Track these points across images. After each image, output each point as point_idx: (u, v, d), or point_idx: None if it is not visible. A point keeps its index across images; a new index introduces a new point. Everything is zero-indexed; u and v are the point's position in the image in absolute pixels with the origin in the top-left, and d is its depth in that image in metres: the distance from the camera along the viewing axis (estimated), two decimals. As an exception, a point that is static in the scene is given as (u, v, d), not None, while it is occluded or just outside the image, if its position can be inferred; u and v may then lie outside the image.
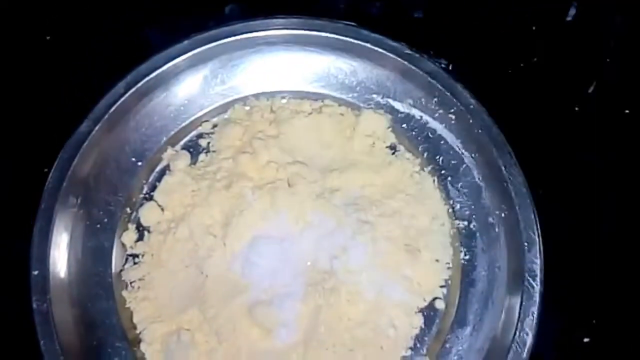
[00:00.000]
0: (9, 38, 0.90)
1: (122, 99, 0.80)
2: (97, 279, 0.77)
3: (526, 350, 0.72)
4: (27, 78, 0.88)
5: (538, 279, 0.74)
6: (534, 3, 0.93)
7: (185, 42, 0.83)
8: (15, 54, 0.90)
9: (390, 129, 0.84)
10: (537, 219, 0.75)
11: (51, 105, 0.86)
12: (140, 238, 0.80)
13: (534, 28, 0.91)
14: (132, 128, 0.82)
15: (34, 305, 0.72)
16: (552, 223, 0.78)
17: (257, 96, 0.86)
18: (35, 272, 0.73)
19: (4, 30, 0.91)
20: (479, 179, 0.81)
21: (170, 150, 0.83)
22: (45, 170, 0.78)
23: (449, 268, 0.79)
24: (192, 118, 0.85)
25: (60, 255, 0.76)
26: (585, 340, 0.78)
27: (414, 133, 0.84)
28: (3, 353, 0.76)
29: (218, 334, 0.74)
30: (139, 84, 0.81)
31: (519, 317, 0.73)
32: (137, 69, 0.82)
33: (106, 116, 0.79)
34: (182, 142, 0.84)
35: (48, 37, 0.90)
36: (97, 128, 0.79)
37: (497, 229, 0.78)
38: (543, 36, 0.91)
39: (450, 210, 0.81)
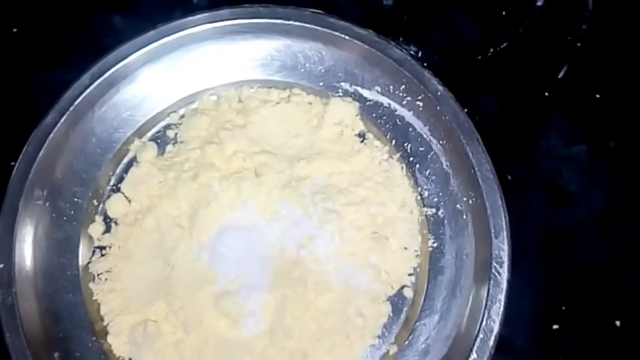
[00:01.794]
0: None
1: (88, 90, 0.80)
2: (63, 272, 0.77)
3: (493, 337, 0.72)
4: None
5: (505, 266, 0.73)
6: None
7: (151, 32, 0.82)
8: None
9: (358, 116, 0.84)
10: (504, 206, 0.75)
11: (16, 97, 0.86)
12: (107, 230, 0.79)
13: (503, 13, 0.91)
14: (98, 120, 0.82)
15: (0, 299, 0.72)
16: (520, 210, 0.78)
17: (225, 86, 0.85)
18: (0, 266, 0.73)
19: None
20: (446, 165, 0.80)
21: (137, 142, 0.83)
22: (12, 163, 0.77)
23: (417, 256, 0.79)
24: (160, 109, 0.84)
25: (26, 248, 0.75)
26: (555, 327, 0.78)
27: (382, 120, 0.84)
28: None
29: (185, 325, 0.74)
30: (105, 75, 0.80)
31: (486, 304, 0.72)
32: (103, 60, 0.81)
33: (71, 108, 0.79)
34: (149, 134, 0.84)
35: (15, 29, 0.89)
36: (62, 120, 0.78)
37: (465, 216, 0.78)
38: (513, 21, 0.90)
39: (419, 197, 0.81)
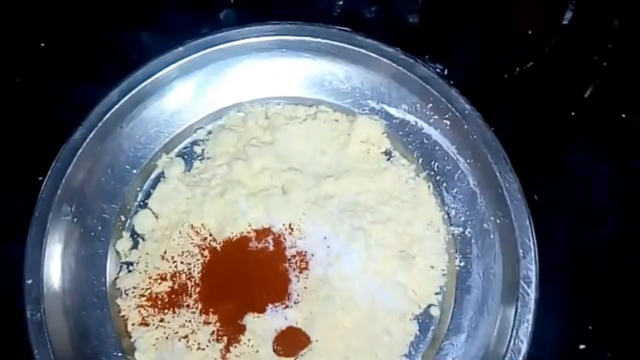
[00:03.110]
0: (5, 45, 0.90)
1: (116, 106, 0.80)
2: (91, 288, 0.77)
3: (521, 357, 0.72)
4: (22, 85, 0.88)
5: (533, 285, 0.73)
6: (530, 7, 0.92)
7: (180, 48, 0.83)
8: (10, 61, 0.89)
9: (385, 134, 0.84)
10: (532, 226, 0.75)
11: (45, 113, 0.86)
12: (135, 246, 0.80)
13: (530, 32, 0.91)
14: (126, 135, 0.82)
15: (28, 315, 0.72)
16: (548, 229, 0.77)
17: (251, 102, 0.86)
18: (29, 282, 0.73)
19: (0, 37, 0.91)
20: (474, 185, 0.80)
21: (164, 158, 0.83)
22: (40, 178, 0.78)
23: (444, 275, 0.79)
24: (187, 125, 0.84)
25: (54, 264, 0.76)
26: (581, 347, 0.78)
27: (409, 139, 0.84)
28: (-3, 363, 0.76)
29: (212, 340, 0.74)
30: (133, 91, 0.81)
31: (514, 324, 0.73)
32: (131, 76, 0.81)
33: (100, 124, 0.79)
34: (176, 149, 0.84)
35: (43, 44, 0.90)
36: (91, 136, 0.79)
37: (492, 236, 0.78)
38: (539, 40, 0.90)
39: (445, 216, 0.81)
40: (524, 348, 0.72)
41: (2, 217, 0.80)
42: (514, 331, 0.72)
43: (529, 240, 0.75)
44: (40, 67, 0.89)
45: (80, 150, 0.78)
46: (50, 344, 0.71)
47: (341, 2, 0.92)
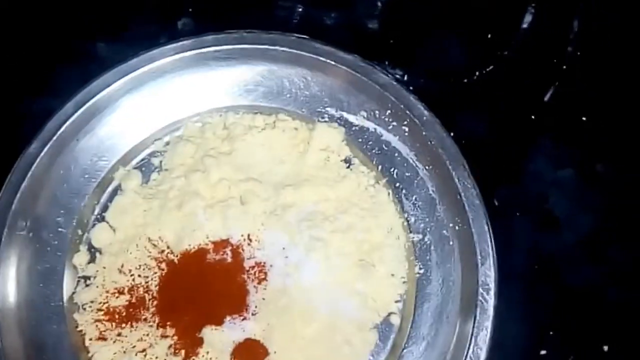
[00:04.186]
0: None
1: (71, 119, 0.79)
2: (47, 303, 0.76)
3: (480, 364, 0.71)
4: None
5: (492, 292, 0.73)
6: (489, 10, 0.92)
7: (134, 59, 0.82)
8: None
9: (344, 142, 0.83)
10: (490, 232, 0.75)
11: (0, 124, 0.85)
12: (92, 260, 0.79)
13: (489, 36, 0.91)
14: (82, 148, 0.81)
15: (-17, 331, 0.71)
16: (508, 235, 0.78)
17: (209, 112, 0.85)
18: (-17, 298, 0.73)
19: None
20: (433, 191, 0.80)
21: (121, 170, 0.82)
22: (-5, 193, 0.77)
23: (404, 282, 0.78)
24: (144, 136, 0.84)
25: (9, 280, 0.75)
26: (542, 352, 0.77)
27: (368, 146, 0.83)
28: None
29: (170, 354, 0.74)
30: (88, 104, 0.80)
31: (472, 331, 0.72)
32: (86, 89, 0.81)
33: (55, 137, 0.79)
34: (133, 162, 0.83)
35: (-2, 56, 0.89)
36: (45, 150, 0.78)
37: (451, 242, 0.78)
38: (499, 44, 0.90)
39: (405, 223, 0.80)
40: (483, 355, 0.72)
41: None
42: (473, 338, 0.72)
43: (488, 247, 0.75)
44: (-4, 80, 0.89)
45: (35, 164, 0.77)
46: (6, 359, 0.71)
47: (300, 9, 0.91)
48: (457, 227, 0.77)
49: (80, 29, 0.91)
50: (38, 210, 0.78)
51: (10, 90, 0.88)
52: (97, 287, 0.77)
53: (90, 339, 0.76)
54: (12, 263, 0.76)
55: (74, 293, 0.77)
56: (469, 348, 0.72)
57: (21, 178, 0.77)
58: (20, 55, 0.90)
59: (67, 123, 0.79)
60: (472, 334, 0.72)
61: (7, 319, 0.73)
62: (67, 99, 0.80)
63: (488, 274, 0.74)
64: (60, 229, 0.79)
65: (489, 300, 0.73)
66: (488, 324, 0.72)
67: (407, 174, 0.82)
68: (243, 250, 0.78)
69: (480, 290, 0.73)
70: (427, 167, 0.81)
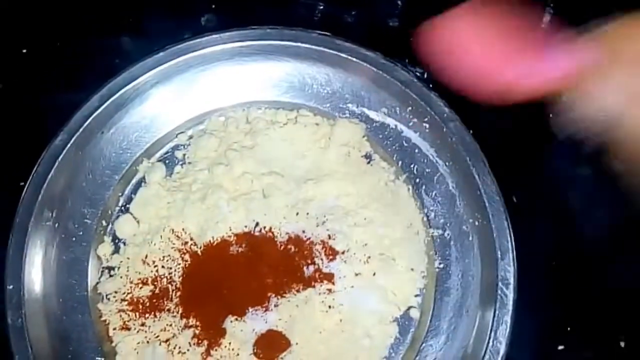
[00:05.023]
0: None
1: (97, 111, 0.80)
2: (72, 292, 0.77)
3: (500, 358, 0.72)
4: (4, 92, 0.88)
5: (511, 287, 0.74)
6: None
7: (161, 53, 0.83)
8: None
9: (365, 138, 0.84)
10: (510, 228, 0.76)
11: (26, 118, 0.86)
12: (116, 251, 0.80)
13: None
14: (107, 141, 0.82)
15: (9, 320, 0.72)
16: (527, 231, 0.78)
17: (232, 107, 0.86)
18: (10, 287, 0.74)
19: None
20: (453, 187, 0.81)
21: (145, 163, 0.83)
22: (22, 184, 0.78)
23: (423, 277, 0.79)
24: (168, 130, 0.85)
25: (35, 269, 0.76)
26: (560, 348, 0.78)
27: (388, 142, 0.84)
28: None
29: (193, 344, 0.75)
30: (114, 97, 0.81)
31: (492, 325, 0.73)
32: (112, 82, 0.81)
33: (81, 129, 0.80)
34: (157, 154, 0.84)
35: (24, 50, 0.90)
36: (71, 141, 0.79)
37: (471, 238, 0.79)
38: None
39: (425, 218, 0.81)
40: (502, 349, 0.72)
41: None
42: (493, 332, 0.73)
43: (507, 242, 0.75)
44: (22, 73, 0.89)
45: (61, 156, 0.78)
46: (31, 349, 0.72)
47: (322, 7, 0.92)
48: (476, 223, 0.78)
49: (105, 24, 0.92)
50: (64, 201, 0.79)
51: (38, 84, 0.89)
52: (121, 277, 0.78)
53: (114, 329, 0.77)
54: (38, 253, 0.76)
55: (98, 283, 0.78)
56: (488, 342, 0.73)
57: (48, 169, 0.78)
58: (47, 50, 0.90)
59: (93, 116, 0.80)
60: (491, 328, 0.73)
61: (33, 309, 0.74)
62: (93, 92, 0.81)
63: (508, 269, 0.75)
64: (85, 220, 0.80)
65: (509, 295, 0.74)
66: (507, 318, 0.73)
67: (427, 170, 0.82)
68: (266, 242, 0.79)
69: (500, 284, 0.74)
70: (447, 163, 0.81)
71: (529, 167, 0.85)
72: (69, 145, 0.79)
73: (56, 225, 0.78)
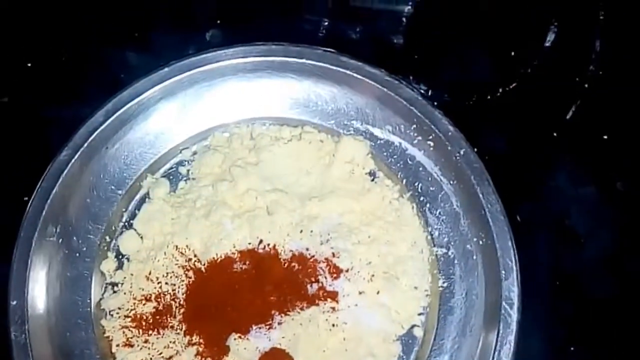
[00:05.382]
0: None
1: (102, 127, 0.80)
2: (75, 309, 0.77)
3: (503, 378, 0.72)
4: (9, 105, 0.88)
5: (515, 307, 0.74)
6: (512, 29, 0.93)
7: (165, 69, 0.83)
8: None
9: (369, 155, 0.84)
10: (514, 247, 0.76)
11: (30, 132, 0.86)
12: (120, 267, 0.80)
13: (513, 54, 0.92)
14: (112, 156, 0.82)
15: (12, 336, 0.72)
16: (531, 250, 0.78)
17: (237, 123, 0.86)
18: (14, 303, 0.73)
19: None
20: (457, 206, 0.81)
21: (149, 178, 0.83)
22: (26, 199, 0.78)
23: (427, 295, 0.79)
24: (172, 145, 0.85)
25: (39, 285, 0.76)
26: (563, 367, 0.78)
27: (393, 160, 0.84)
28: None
29: (196, 363, 0.75)
30: (119, 112, 0.81)
31: (496, 345, 0.73)
32: (117, 97, 0.82)
33: (85, 145, 0.80)
34: (161, 170, 0.84)
35: (29, 64, 0.90)
36: (76, 157, 0.79)
37: (475, 257, 0.79)
38: (522, 62, 0.91)
39: (429, 237, 0.81)
40: (506, 369, 0.73)
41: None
42: (496, 352, 0.73)
43: (511, 262, 0.75)
44: (27, 87, 0.89)
45: (66, 171, 0.78)
46: (35, 364, 0.72)
47: (326, 23, 0.93)
48: (480, 242, 0.78)
49: (111, 39, 0.92)
50: (68, 217, 0.79)
51: (42, 98, 0.89)
52: (125, 293, 0.78)
53: (118, 345, 0.76)
54: (42, 268, 0.76)
55: (101, 299, 0.78)
56: (492, 362, 0.73)
57: (52, 184, 0.78)
58: (52, 64, 0.91)
59: (98, 131, 0.80)
60: (495, 348, 0.73)
61: (37, 325, 0.74)
62: (97, 107, 0.81)
63: (512, 288, 0.74)
64: (89, 236, 0.80)
65: (513, 315, 0.74)
66: (511, 338, 0.73)
67: (431, 188, 0.83)
68: (269, 260, 0.78)
69: (504, 304, 0.74)
70: (451, 182, 0.82)
71: (533, 186, 0.85)
72: (73, 160, 0.79)
73: (60, 240, 0.78)
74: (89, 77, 0.89)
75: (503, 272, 0.75)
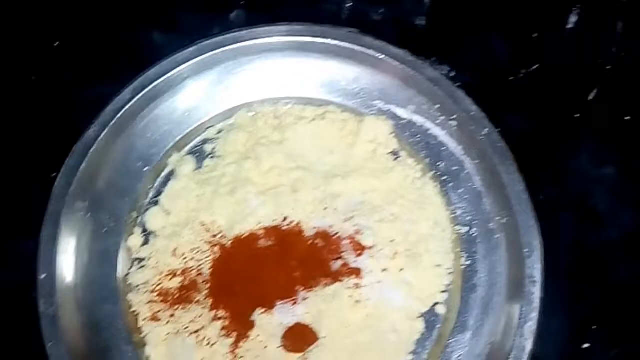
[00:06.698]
0: (16, 44, 0.91)
1: (129, 104, 0.81)
2: (103, 283, 0.78)
3: (525, 356, 0.72)
4: (36, 83, 0.89)
5: (538, 284, 0.74)
6: (535, 10, 0.93)
7: (192, 47, 0.84)
8: (22, 60, 0.91)
9: (392, 134, 0.85)
10: (538, 226, 0.76)
11: (58, 111, 0.87)
12: (146, 242, 0.81)
13: (535, 35, 0.92)
14: (139, 133, 0.83)
15: (41, 309, 0.73)
16: (552, 228, 0.79)
17: (261, 102, 0.87)
18: (43, 276, 0.74)
19: (11, 36, 0.92)
20: (480, 185, 0.81)
21: (175, 156, 0.84)
22: (53, 175, 0.79)
23: (449, 273, 0.80)
24: (198, 123, 0.86)
25: (68, 258, 0.77)
26: (585, 346, 0.78)
27: (416, 139, 0.85)
28: (9, 356, 0.77)
29: (222, 336, 0.76)
30: (146, 90, 0.82)
31: (519, 322, 0.73)
32: (144, 75, 0.83)
33: (113, 121, 0.81)
34: (187, 147, 0.85)
35: (56, 43, 0.91)
36: (104, 133, 0.80)
37: (497, 235, 0.79)
38: (544, 43, 0.91)
39: (452, 215, 0.82)
40: (528, 346, 0.73)
41: (17, 212, 0.81)
42: (519, 329, 0.73)
43: (535, 240, 0.76)
44: (54, 65, 0.90)
45: (93, 147, 0.79)
46: (63, 337, 0.72)
47: (349, 4, 0.93)
48: (503, 220, 0.79)
49: (137, 18, 0.93)
50: (96, 193, 0.80)
51: (69, 77, 0.89)
52: (151, 268, 0.79)
53: (144, 319, 0.77)
54: (71, 243, 0.77)
55: (128, 274, 0.79)
56: (514, 339, 0.73)
57: (79, 160, 0.79)
58: (78, 41, 0.91)
59: (125, 108, 0.81)
60: (518, 326, 0.73)
61: (65, 298, 0.75)
62: (125, 85, 0.82)
63: (535, 266, 0.75)
64: (116, 211, 0.81)
65: (535, 293, 0.74)
66: (534, 315, 0.73)
67: (454, 168, 0.83)
68: (294, 236, 0.79)
69: (527, 282, 0.75)
70: (474, 161, 0.82)
71: (556, 165, 0.85)
72: (100, 137, 0.80)
73: (88, 215, 0.79)
74: (116, 56, 0.90)
75: (526, 250, 0.76)
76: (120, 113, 0.81)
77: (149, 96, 0.83)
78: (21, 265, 0.76)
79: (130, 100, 0.81)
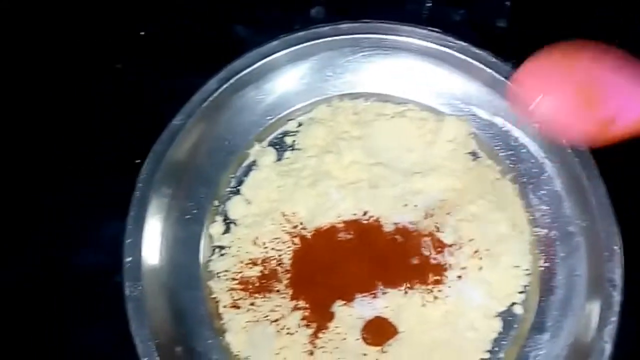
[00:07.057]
0: (107, 32, 0.93)
1: (215, 94, 0.83)
2: (185, 269, 0.79)
3: (605, 359, 0.72)
4: (123, 72, 0.91)
5: (619, 288, 0.74)
6: (618, 12, 0.93)
7: (275, 42, 0.85)
8: (109, 50, 0.92)
9: (471, 135, 0.85)
10: (619, 231, 0.76)
11: (144, 98, 0.88)
12: (227, 230, 0.82)
13: (616, 41, 0.92)
14: (223, 123, 0.84)
15: (127, 292, 0.74)
16: (633, 233, 0.78)
17: (341, 97, 0.88)
18: (129, 259, 0.76)
19: (98, 23, 0.93)
20: (560, 188, 0.81)
21: (257, 146, 0.85)
22: (137, 161, 0.80)
23: (527, 274, 0.80)
24: (279, 116, 0.87)
25: (153, 243, 0.78)
26: (662, 352, 0.78)
27: (495, 141, 0.85)
28: (96, 337, 0.78)
29: (301, 325, 0.76)
30: (232, 80, 0.83)
31: (598, 326, 0.73)
32: (230, 66, 0.84)
33: (199, 110, 0.82)
34: (268, 139, 0.86)
35: (142, 33, 0.92)
36: (190, 121, 0.81)
37: (577, 238, 0.79)
38: (626, 47, 0.91)
39: (531, 217, 0.82)
40: (607, 350, 0.73)
41: (105, 196, 0.82)
42: (599, 332, 0.73)
43: (615, 245, 0.76)
44: (140, 55, 0.92)
45: (180, 134, 0.81)
46: (147, 320, 0.74)
47: (430, 4, 0.94)
48: (584, 224, 0.79)
49: (220, 13, 0.94)
50: (181, 179, 0.81)
51: (155, 66, 0.91)
52: (232, 257, 0.80)
53: (224, 306, 0.78)
54: (156, 228, 0.79)
55: (209, 261, 0.80)
56: (593, 342, 0.73)
57: (166, 147, 0.80)
58: (163, 34, 0.93)
59: (210, 98, 0.82)
60: (597, 329, 0.73)
61: (150, 282, 0.76)
62: (210, 76, 0.83)
63: (615, 271, 0.75)
64: (199, 199, 0.82)
65: (615, 296, 0.74)
66: (614, 319, 0.73)
67: (534, 170, 0.83)
68: (374, 231, 0.80)
69: (607, 286, 0.74)
70: (554, 164, 0.82)
71: (635, 174, 0.85)
72: (187, 124, 0.81)
73: (173, 201, 0.80)
74: (202, 48, 0.91)
75: (607, 254, 0.75)
76: (206, 102, 0.82)
77: (235, 87, 0.84)
78: (108, 248, 0.77)
79: (215, 90, 0.83)
